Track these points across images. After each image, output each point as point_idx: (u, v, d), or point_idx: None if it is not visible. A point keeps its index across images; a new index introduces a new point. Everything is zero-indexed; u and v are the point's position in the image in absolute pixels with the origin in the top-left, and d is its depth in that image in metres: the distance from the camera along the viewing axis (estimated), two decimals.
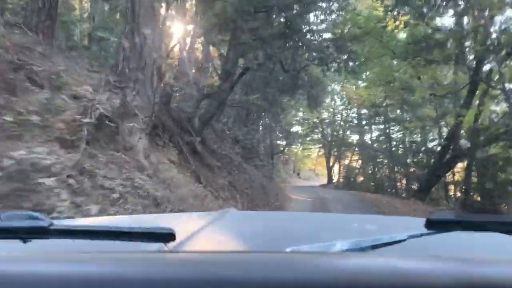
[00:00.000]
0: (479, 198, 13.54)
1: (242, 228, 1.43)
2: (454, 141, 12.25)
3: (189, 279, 0.50)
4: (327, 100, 30.60)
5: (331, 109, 32.60)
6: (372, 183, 25.71)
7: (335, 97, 30.60)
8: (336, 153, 33.00)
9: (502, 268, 0.56)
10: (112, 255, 0.62)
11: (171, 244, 0.73)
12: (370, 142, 28.09)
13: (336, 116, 32.36)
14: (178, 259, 0.61)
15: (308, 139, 37.18)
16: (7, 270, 0.53)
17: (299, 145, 40.83)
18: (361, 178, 28.36)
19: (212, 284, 0.49)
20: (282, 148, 37.03)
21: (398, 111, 18.85)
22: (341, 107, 31.05)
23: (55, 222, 0.70)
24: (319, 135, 35.42)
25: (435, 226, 0.74)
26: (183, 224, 1.38)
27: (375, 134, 27.76)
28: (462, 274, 0.52)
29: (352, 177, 27.89)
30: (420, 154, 18.95)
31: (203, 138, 9.65)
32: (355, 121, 29.33)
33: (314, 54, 11.27)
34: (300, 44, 11.16)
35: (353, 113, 28.99)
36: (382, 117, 20.65)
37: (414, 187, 17.84)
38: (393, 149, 21.14)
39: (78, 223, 1.34)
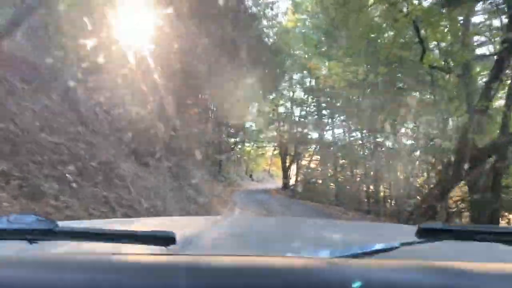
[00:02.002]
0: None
1: (241, 232, 1.44)
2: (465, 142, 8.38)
3: (190, 281, 0.52)
4: (285, 84, 26.62)
5: (289, 102, 28.70)
6: (334, 191, 22.22)
7: (295, 79, 26.47)
8: (293, 153, 29.19)
9: (491, 278, 0.58)
10: (115, 257, 0.64)
11: (171, 247, 0.72)
12: (333, 138, 24.40)
13: (294, 109, 28.45)
14: (178, 262, 0.62)
15: (262, 136, 33.19)
16: (15, 271, 0.54)
17: (253, 143, 36.81)
18: (320, 181, 24.87)
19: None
20: (232, 146, 32.76)
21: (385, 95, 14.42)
22: (302, 95, 26.98)
23: (61, 224, 0.73)
24: (274, 132, 31.52)
25: (426, 234, 0.75)
26: (183, 227, 1.37)
27: (340, 129, 24.11)
28: (451, 284, 0.54)
29: (311, 181, 24.12)
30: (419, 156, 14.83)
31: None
32: (316, 114, 25.59)
33: None
34: None
35: (314, 102, 25.17)
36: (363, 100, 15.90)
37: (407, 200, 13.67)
38: (377, 148, 17.08)
39: (83, 225, 1.29)
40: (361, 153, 18.68)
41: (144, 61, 11.58)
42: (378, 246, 0.78)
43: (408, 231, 0.90)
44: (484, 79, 11.66)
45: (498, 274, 0.59)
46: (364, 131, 16.81)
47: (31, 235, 0.70)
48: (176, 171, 10.61)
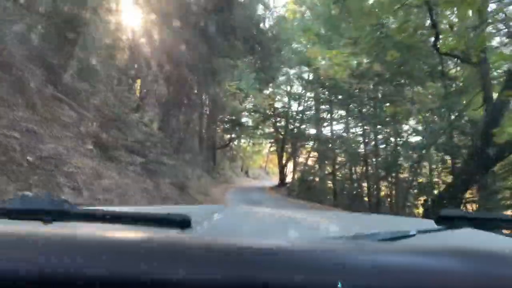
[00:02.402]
0: None
1: (246, 222, 1.44)
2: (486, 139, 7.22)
3: (210, 263, 0.50)
4: (282, 79, 25.34)
5: (286, 97, 27.50)
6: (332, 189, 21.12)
7: (293, 73, 25.11)
8: (290, 149, 28.03)
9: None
10: (132, 238, 0.61)
11: (187, 231, 0.71)
12: (331, 134, 23.22)
13: (291, 103, 27.23)
14: (198, 243, 0.58)
15: (258, 132, 32.01)
16: (28, 252, 0.52)
17: (249, 139, 35.67)
18: (317, 179, 23.74)
19: (235, 269, 0.49)
20: (227, 142, 31.61)
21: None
22: (299, 90, 25.71)
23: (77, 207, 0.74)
24: (271, 128, 30.36)
25: (445, 221, 0.73)
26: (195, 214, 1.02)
27: (340, 125, 22.94)
28: (481, 270, 0.51)
29: (309, 179, 22.97)
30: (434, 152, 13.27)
31: None
32: (315, 109, 24.40)
33: None
34: None
35: (312, 96, 23.92)
36: (367, 94, 14.31)
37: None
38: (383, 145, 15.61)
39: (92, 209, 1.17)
40: (362, 149, 17.40)
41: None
42: (395, 234, 0.74)
43: (426, 223, 0.88)
44: (499, 70, 10.57)
45: None
46: (366, 127, 15.54)
47: (45, 216, 0.69)
48: (154, 167, 9.43)
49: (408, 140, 14.05)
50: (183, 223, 0.68)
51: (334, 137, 23.01)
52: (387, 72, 10.74)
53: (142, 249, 0.53)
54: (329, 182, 23.32)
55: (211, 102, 20.64)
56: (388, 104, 11.61)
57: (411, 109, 11.87)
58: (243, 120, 29.99)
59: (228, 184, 25.37)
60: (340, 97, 16.40)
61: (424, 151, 11.49)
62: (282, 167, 28.67)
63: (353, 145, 18.82)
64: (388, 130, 14.67)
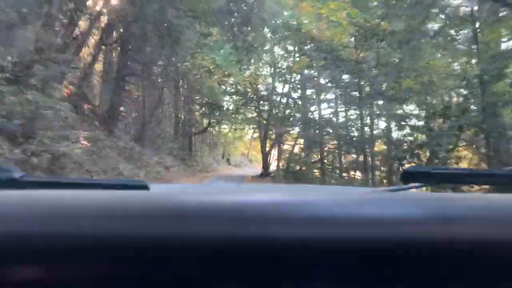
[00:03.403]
0: None
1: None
2: None
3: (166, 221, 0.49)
4: (267, 57, 22.67)
5: (270, 78, 25.01)
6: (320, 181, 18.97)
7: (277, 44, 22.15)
8: (274, 136, 25.68)
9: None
10: (87, 201, 0.58)
11: None
12: (320, 118, 20.92)
13: (276, 85, 24.77)
14: (152, 202, 0.57)
15: (240, 117, 29.53)
16: None
17: (230, 124, 33.20)
18: (303, 168, 21.59)
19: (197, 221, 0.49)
20: (205, 127, 29.05)
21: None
22: (284, 64, 22.89)
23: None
24: (254, 113, 27.93)
25: (410, 178, 0.76)
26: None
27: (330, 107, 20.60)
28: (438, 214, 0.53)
29: (295, 169, 20.69)
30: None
31: None
32: (301, 88, 22.00)
33: None
34: None
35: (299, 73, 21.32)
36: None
37: None
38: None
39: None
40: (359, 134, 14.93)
41: None
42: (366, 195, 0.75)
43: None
44: None
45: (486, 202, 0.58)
46: (367, 105, 13.07)
47: None
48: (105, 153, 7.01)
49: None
50: (141, 188, 0.68)
51: (323, 121, 20.79)
52: (404, 29, 8.33)
53: (102, 209, 0.51)
54: (316, 170, 21.28)
55: (182, 78, 17.97)
56: (402, 74, 9.24)
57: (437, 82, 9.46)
58: (224, 103, 27.40)
59: (205, 173, 22.99)
60: (334, 69, 13.65)
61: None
62: (265, 155, 26.38)
63: (350, 128, 16.43)
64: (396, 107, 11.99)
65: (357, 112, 14.05)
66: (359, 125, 14.25)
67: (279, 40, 20.43)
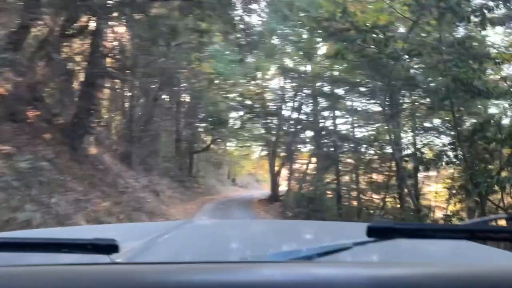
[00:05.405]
0: None
1: (196, 238, 1.39)
2: None
3: None
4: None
5: (279, 91, 22.68)
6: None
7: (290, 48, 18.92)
8: (284, 154, 23.14)
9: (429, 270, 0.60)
10: (50, 268, 0.58)
11: (114, 256, 0.68)
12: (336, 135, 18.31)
13: (285, 97, 22.37)
14: (115, 271, 0.58)
15: (246, 134, 27.11)
16: None
17: (237, 142, 30.72)
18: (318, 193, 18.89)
19: None
20: (208, 144, 26.58)
21: None
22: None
23: None
24: (261, 129, 25.51)
25: (375, 233, 0.75)
26: (135, 234, 1.29)
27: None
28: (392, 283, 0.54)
29: (308, 192, 17.94)
30: None
31: None
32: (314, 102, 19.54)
33: None
34: None
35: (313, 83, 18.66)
36: None
37: None
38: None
39: (18, 235, 1.19)
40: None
41: None
42: (333, 246, 0.77)
43: (360, 229, 0.87)
44: None
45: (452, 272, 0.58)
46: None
47: None
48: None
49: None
50: (110, 248, 0.64)
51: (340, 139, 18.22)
52: None
53: (57, 282, 0.49)
54: (328, 192, 18.61)
55: (179, 84, 15.66)
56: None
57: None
58: (230, 119, 24.98)
59: (207, 196, 20.43)
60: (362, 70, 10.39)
61: None
62: (274, 175, 23.78)
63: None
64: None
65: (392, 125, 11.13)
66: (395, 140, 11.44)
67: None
